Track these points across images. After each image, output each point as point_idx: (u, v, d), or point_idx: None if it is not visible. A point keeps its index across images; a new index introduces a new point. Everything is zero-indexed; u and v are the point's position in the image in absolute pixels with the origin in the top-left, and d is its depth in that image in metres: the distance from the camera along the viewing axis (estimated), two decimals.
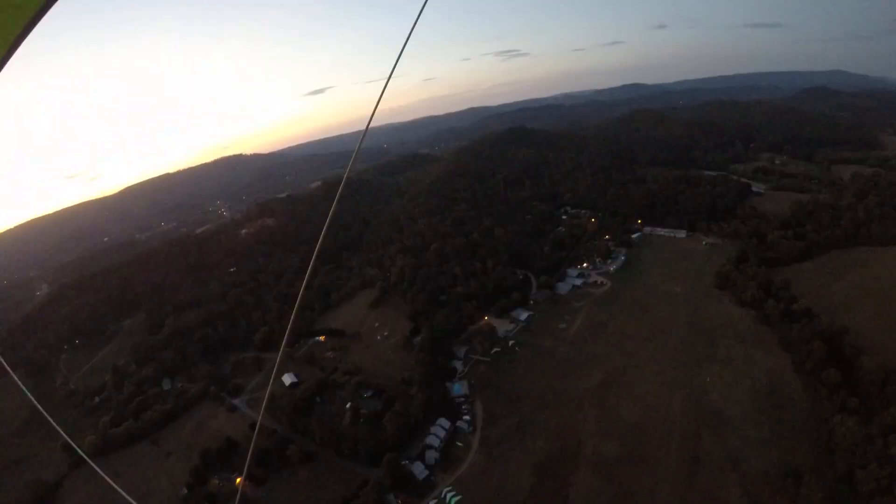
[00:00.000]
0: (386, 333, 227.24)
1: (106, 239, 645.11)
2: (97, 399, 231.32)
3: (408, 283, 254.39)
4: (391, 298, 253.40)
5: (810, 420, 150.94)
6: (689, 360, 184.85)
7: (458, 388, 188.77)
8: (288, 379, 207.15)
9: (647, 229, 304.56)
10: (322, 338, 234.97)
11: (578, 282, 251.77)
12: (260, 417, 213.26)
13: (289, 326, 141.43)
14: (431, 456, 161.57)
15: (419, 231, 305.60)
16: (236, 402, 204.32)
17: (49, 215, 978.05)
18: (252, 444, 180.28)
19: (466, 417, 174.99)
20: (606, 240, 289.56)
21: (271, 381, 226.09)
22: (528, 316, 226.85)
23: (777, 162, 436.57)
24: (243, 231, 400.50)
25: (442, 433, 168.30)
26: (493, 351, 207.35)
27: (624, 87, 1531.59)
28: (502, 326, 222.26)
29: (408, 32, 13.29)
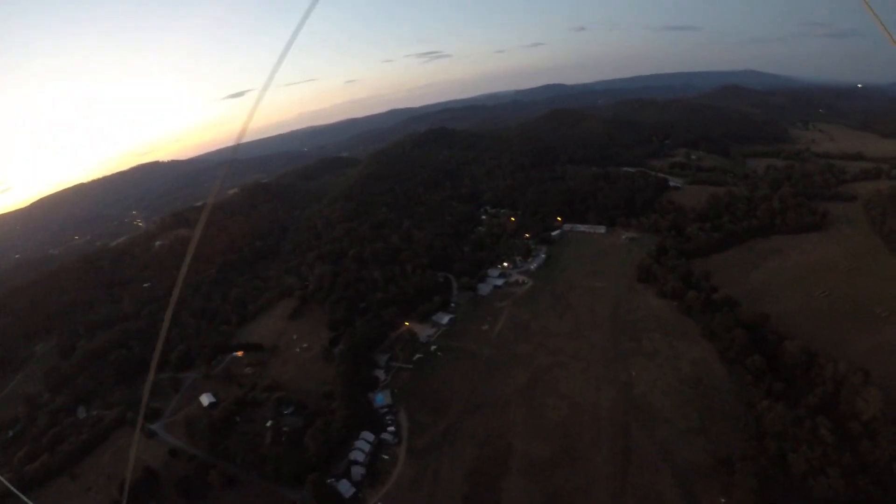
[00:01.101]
0: (305, 345, 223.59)
1: (17, 256, 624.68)
2: (10, 433, 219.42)
3: (326, 291, 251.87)
4: (310, 308, 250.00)
5: (738, 407, 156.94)
6: (615, 355, 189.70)
7: (382, 399, 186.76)
8: (205, 399, 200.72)
9: (568, 226, 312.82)
10: (239, 353, 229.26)
11: (500, 282, 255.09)
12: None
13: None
14: (357, 472, 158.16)
15: (338, 237, 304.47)
16: (155, 427, 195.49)
17: None
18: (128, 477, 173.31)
19: (391, 429, 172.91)
20: (527, 238, 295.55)
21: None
22: (451, 319, 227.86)
23: (693, 157, 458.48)
24: (158, 243, 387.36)
25: (367, 447, 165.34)
26: (415, 357, 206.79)
27: (545, 87, 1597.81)
28: (424, 331, 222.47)
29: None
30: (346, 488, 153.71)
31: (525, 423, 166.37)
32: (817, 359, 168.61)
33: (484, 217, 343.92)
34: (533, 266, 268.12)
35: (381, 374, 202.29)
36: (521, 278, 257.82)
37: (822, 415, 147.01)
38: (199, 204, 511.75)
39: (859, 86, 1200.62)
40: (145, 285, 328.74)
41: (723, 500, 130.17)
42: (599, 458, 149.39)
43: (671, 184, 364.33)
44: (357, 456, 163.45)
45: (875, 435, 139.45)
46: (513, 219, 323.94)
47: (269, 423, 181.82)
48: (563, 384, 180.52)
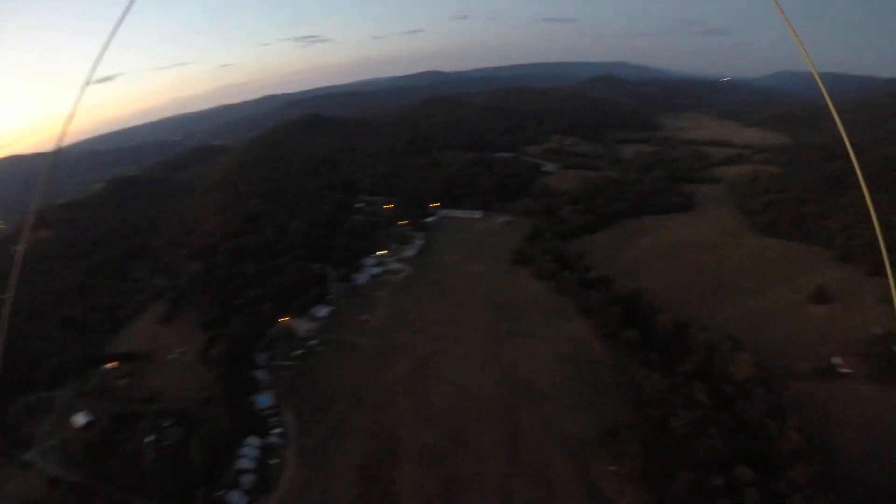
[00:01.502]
0: (181, 350, 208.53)
1: None
2: None
3: (200, 290, 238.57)
4: (184, 309, 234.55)
5: (618, 379, 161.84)
6: (495, 338, 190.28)
7: (265, 400, 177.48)
8: (81, 418, 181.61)
9: (444, 212, 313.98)
10: (113, 364, 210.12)
11: (377, 270, 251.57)
12: None
13: None
14: (247, 480, 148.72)
15: (210, 231, 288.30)
16: (30, 456, 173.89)
17: None
18: None
19: (278, 430, 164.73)
20: (403, 225, 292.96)
21: None
22: (329, 311, 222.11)
23: (567, 143, 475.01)
24: (16, 247, 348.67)
25: (254, 453, 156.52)
26: (296, 354, 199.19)
27: (423, 74, 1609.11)
28: (303, 326, 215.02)
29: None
30: (237, 499, 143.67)
31: (412, 412, 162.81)
32: (689, 329, 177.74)
33: (360, 205, 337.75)
34: (410, 253, 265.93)
35: (262, 373, 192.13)
36: (398, 266, 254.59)
37: (697, 380, 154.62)
38: (61, 202, 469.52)
39: (726, 79, 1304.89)
40: (2, 296, 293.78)
41: (612, 468, 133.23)
42: (489, 440, 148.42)
43: (545, 169, 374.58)
44: (245, 463, 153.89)
45: (748, 395, 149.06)
46: (389, 206, 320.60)
47: (149, 439, 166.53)
48: (446, 370, 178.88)
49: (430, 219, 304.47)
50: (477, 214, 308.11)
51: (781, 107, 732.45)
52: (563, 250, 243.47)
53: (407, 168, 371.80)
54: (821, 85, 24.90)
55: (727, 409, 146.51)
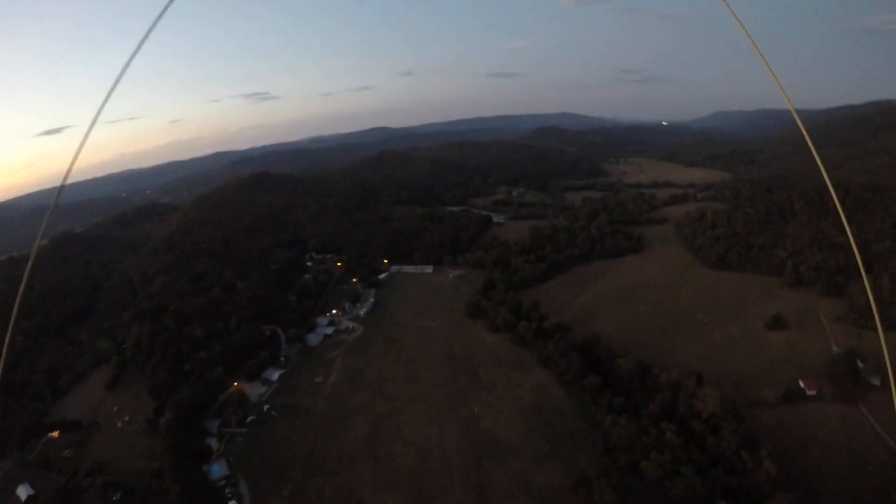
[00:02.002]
0: (127, 418, 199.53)
1: None
2: None
3: (146, 354, 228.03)
4: (130, 374, 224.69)
5: (583, 427, 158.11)
6: (454, 393, 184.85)
7: (217, 470, 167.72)
8: (22, 492, 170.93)
9: (395, 268, 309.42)
10: (56, 433, 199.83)
11: (329, 330, 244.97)
12: None
13: None
14: None
15: (156, 292, 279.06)
16: None
17: None
18: None
19: (232, 502, 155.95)
20: (354, 283, 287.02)
21: None
22: (281, 374, 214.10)
23: (514, 194, 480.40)
24: None
25: None
26: (248, 420, 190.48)
27: (371, 130, 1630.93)
28: (255, 390, 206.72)
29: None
30: None
31: (373, 476, 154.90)
32: (651, 370, 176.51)
33: (310, 263, 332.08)
34: (362, 311, 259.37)
35: (213, 441, 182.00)
36: (351, 325, 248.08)
37: (665, 421, 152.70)
38: (3, 258, 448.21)
39: (664, 123, 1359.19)
40: None
41: None
42: (455, 498, 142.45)
43: (495, 220, 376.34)
44: None
45: (718, 429, 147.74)
46: (339, 264, 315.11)
47: None
48: (405, 430, 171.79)
49: (381, 275, 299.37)
50: (428, 269, 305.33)
51: (720, 146, 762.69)
52: (518, 300, 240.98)
53: (357, 224, 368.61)
54: (798, 121, 23.94)
55: (698, 446, 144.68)
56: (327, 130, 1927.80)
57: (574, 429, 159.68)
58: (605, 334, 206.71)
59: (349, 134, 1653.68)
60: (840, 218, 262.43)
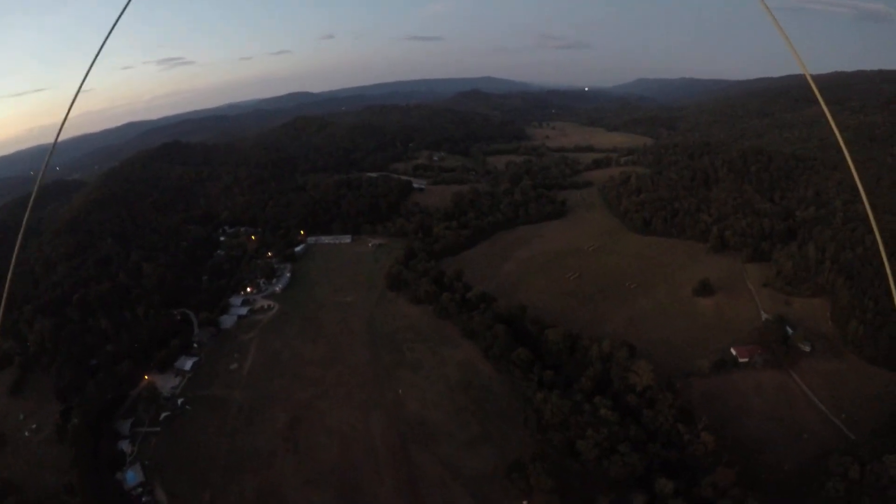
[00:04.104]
0: (35, 426, 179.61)
1: None
2: None
3: (50, 352, 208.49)
4: (35, 376, 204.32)
5: (514, 404, 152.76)
6: (378, 374, 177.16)
7: (133, 477, 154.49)
8: None
9: (312, 239, 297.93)
10: None
11: (244, 310, 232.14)
12: None
13: None
14: None
15: (58, 280, 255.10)
16: None
17: None
18: None
19: None
20: (269, 257, 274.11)
21: None
22: (194, 363, 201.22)
23: (436, 158, 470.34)
24: None
25: None
26: (162, 417, 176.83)
27: (290, 95, 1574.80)
28: (168, 383, 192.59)
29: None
30: None
31: (297, 472, 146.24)
32: (581, 341, 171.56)
33: (222, 239, 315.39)
34: (278, 287, 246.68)
35: (126, 445, 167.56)
36: (266, 303, 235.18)
37: (598, 395, 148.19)
38: None
39: (586, 89, 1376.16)
40: None
41: (525, 503, 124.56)
42: (384, 490, 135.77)
43: (415, 185, 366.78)
44: None
45: (654, 402, 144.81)
46: (253, 237, 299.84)
47: None
48: (328, 417, 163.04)
49: (297, 248, 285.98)
50: (347, 239, 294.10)
51: (641, 111, 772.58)
52: (440, 270, 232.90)
53: (271, 194, 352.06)
54: (813, 86, 20.37)
55: (635, 421, 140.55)
56: (245, 96, 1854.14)
57: (504, 407, 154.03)
58: (532, 304, 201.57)
59: (267, 100, 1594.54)
60: (772, 183, 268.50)
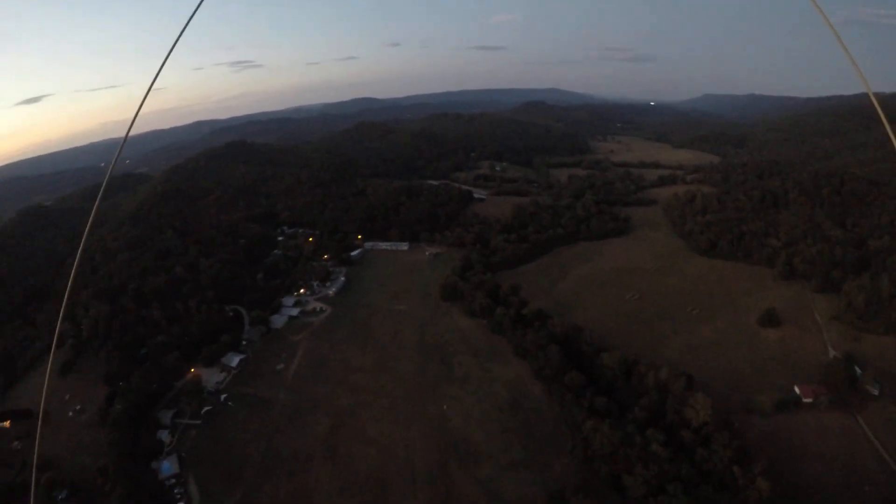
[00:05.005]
0: (79, 407, 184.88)
1: None
2: None
3: (102, 337, 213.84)
4: (85, 359, 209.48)
5: (561, 430, 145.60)
6: (424, 386, 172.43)
7: (168, 468, 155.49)
8: None
9: (369, 245, 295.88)
10: (6, 423, 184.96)
11: (295, 311, 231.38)
12: None
13: None
14: None
15: (116, 269, 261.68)
16: None
17: None
18: None
19: (183, 501, 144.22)
20: (325, 260, 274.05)
21: None
22: (241, 360, 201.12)
23: (498, 168, 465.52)
24: None
25: None
26: (203, 411, 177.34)
27: (355, 100, 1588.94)
28: (212, 377, 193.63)
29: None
30: None
31: (331, 479, 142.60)
32: (637, 368, 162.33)
33: (280, 238, 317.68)
34: (332, 291, 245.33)
35: (166, 435, 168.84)
36: (318, 306, 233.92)
37: (651, 428, 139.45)
38: None
39: (652, 103, 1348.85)
40: None
41: None
42: None
43: (476, 196, 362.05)
44: None
45: (709, 440, 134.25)
46: (311, 239, 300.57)
47: None
48: (369, 427, 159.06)
49: (353, 252, 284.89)
50: (404, 246, 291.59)
51: (708, 127, 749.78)
52: (496, 283, 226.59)
53: (331, 197, 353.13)
54: (875, 103, 19.46)
55: (687, 459, 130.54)
56: (311, 100, 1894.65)
57: (551, 432, 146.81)
58: (588, 324, 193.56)
59: (333, 104, 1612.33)
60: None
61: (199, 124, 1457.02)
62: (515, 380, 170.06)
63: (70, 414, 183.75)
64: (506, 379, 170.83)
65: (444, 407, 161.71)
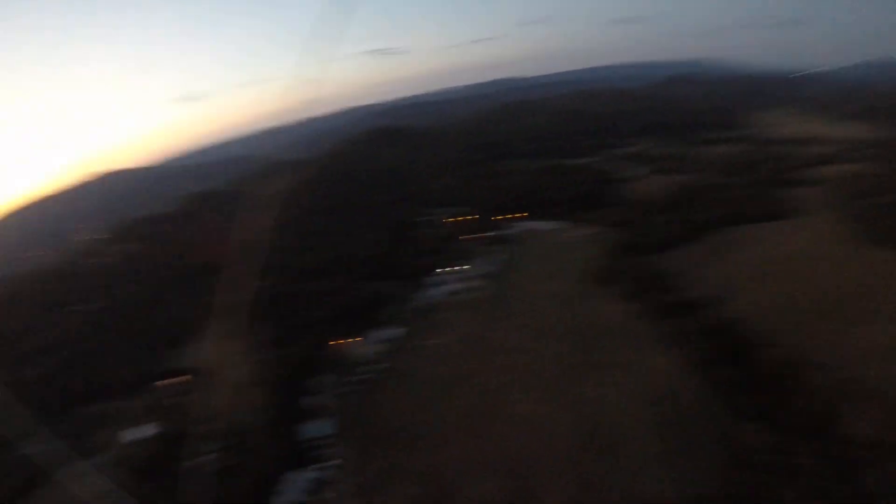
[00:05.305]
0: (238, 370, 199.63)
1: None
2: None
3: (265, 307, 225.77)
4: (244, 328, 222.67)
5: (710, 431, 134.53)
6: (569, 371, 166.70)
7: (316, 430, 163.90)
8: (138, 433, 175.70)
9: (519, 224, 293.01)
10: (172, 380, 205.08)
11: (446, 289, 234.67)
12: None
13: None
14: None
15: (276, 247, 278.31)
16: (88, 465, 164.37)
17: None
18: None
19: (325, 464, 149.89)
20: (475, 239, 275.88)
21: None
22: (395, 334, 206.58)
23: (649, 146, 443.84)
24: (103, 258, 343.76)
25: (296, 489, 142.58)
26: (352, 381, 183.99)
27: (499, 81, 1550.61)
28: (366, 350, 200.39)
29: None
30: None
31: (473, 457, 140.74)
32: (802, 368, 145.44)
33: (430, 218, 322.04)
34: (482, 270, 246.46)
35: (314, 401, 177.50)
36: (469, 284, 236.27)
37: (813, 438, 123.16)
38: (148, 215, 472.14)
39: (807, 72, 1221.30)
40: (86, 306, 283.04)
41: None
42: (553, 497, 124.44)
43: (628, 174, 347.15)
44: (286, 498, 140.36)
45: (880, 461, 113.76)
46: (460, 219, 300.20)
47: (197, 461, 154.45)
48: (515, 407, 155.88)
49: (503, 231, 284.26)
50: (555, 226, 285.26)
51: (872, 98, 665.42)
52: (650, 267, 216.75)
53: (479, 177, 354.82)
54: None
55: (847, 481, 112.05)
56: (454, 82, 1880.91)
57: (698, 432, 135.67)
58: (747, 315, 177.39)
59: (476, 85, 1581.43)
60: None
61: (349, 111, 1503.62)
62: (665, 372, 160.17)
63: (228, 376, 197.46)
64: (655, 370, 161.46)
65: (592, 391, 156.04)
